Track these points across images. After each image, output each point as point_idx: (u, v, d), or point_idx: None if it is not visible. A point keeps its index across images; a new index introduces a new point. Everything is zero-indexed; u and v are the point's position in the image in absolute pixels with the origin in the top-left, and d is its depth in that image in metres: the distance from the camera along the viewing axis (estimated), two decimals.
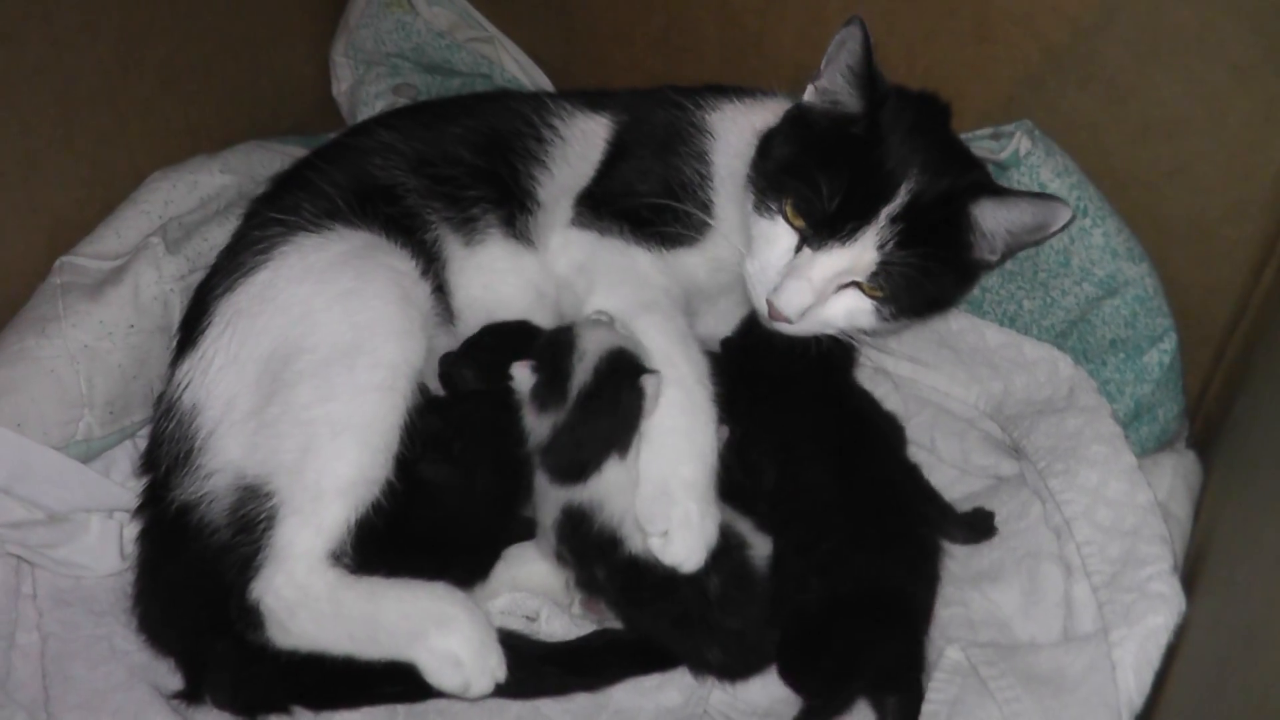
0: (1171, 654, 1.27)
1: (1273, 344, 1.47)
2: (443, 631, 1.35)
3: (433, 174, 1.63)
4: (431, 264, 1.58)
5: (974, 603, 1.48)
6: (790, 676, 1.39)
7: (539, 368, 1.49)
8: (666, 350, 1.48)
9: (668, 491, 1.39)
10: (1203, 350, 1.67)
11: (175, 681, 1.45)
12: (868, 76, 1.42)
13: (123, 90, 1.77)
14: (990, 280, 1.65)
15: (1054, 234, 1.47)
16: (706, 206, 1.60)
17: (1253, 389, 1.51)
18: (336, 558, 1.38)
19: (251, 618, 1.37)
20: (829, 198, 1.40)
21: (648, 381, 1.43)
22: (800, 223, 1.44)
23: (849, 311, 1.46)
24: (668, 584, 1.39)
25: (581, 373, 1.47)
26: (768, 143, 1.54)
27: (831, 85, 1.46)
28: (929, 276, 1.43)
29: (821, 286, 1.42)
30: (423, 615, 1.37)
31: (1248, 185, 1.54)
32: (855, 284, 1.44)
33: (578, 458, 1.44)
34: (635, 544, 1.40)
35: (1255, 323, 1.59)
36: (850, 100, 1.45)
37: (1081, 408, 1.54)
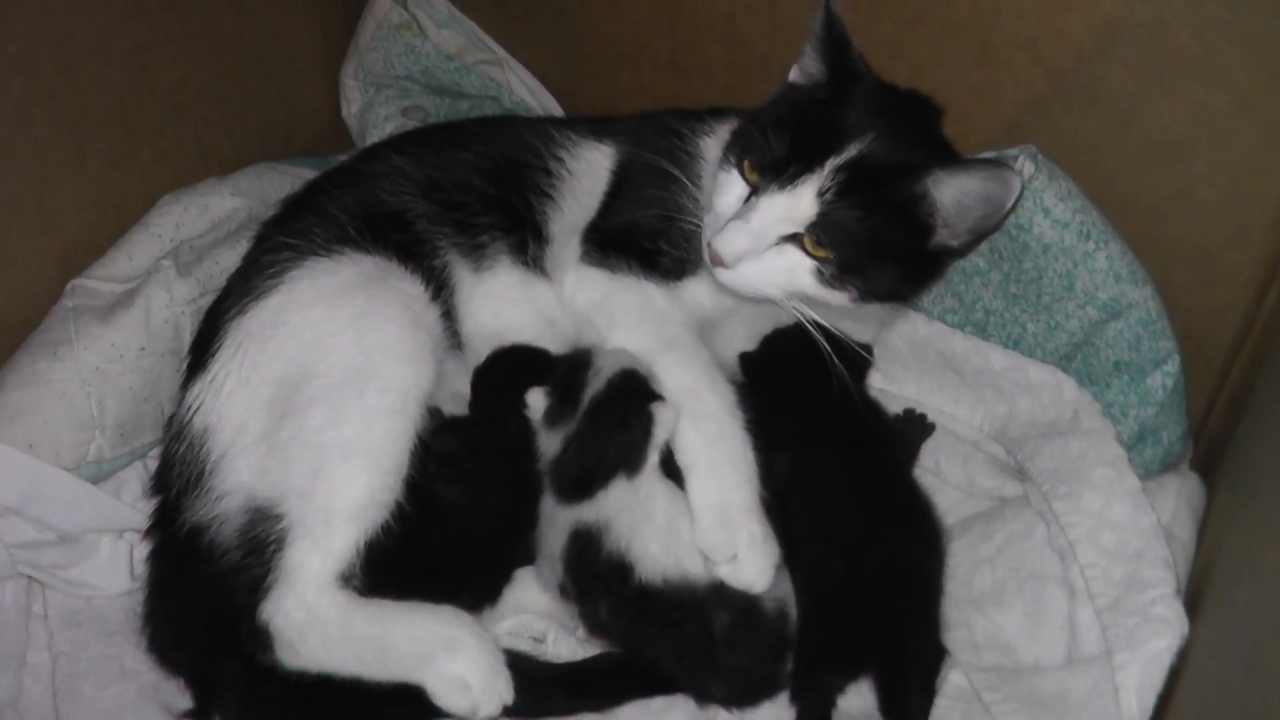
0: (1174, 677, 1.27)
1: (1275, 367, 1.47)
2: (451, 655, 1.36)
3: (443, 200, 1.64)
4: (440, 290, 1.59)
5: (977, 625, 1.49)
6: (818, 661, 1.40)
7: (553, 390, 1.51)
8: (694, 385, 1.50)
9: (727, 518, 1.41)
10: (1206, 373, 1.67)
11: (185, 701, 1.45)
12: (829, 42, 1.46)
13: (134, 113, 1.79)
14: (995, 303, 1.66)
15: (1010, 211, 1.46)
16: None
17: (1256, 411, 1.51)
18: (346, 580, 1.39)
19: (261, 639, 1.38)
20: (778, 146, 1.42)
21: (658, 409, 1.44)
22: (754, 177, 1.45)
23: (789, 267, 1.44)
24: (673, 619, 1.39)
25: (595, 384, 1.48)
26: (750, 118, 1.56)
27: (806, 59, 1.50)
28: (877, 247, 1.42)
29: (760, 230, 1.42)
30: (431, 639, 1.38)
31: (1250, 209, 1.54)
32: (799, 241, 1.43)
33: (586, 468, 1.45)
34: (645, 570, 1.40)
35: (1258, 345, 1.59)
36: (817, 68, 1.49)
37: (1085, 430, 1.54)
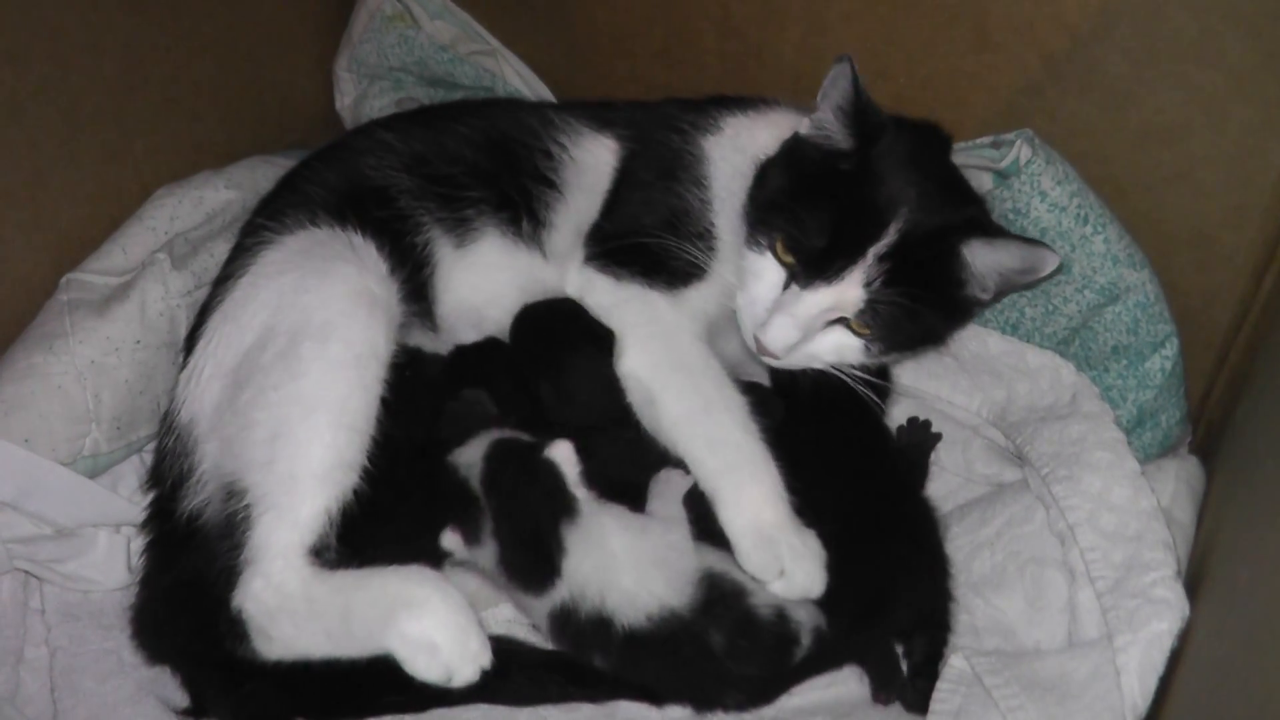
0: (1175, 659, 1.27)
1: (1274, 348, 1.47)
2: (413, 614, 1.28)
3: (428, 173, 1.62)
4: (420, 269, 1.58)
5: (978, 609, 1.49)
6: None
7: (459, 522, 1.47)
8: (707, 407, 1.49)
9: (764, 536, 1.39)
10: (1204, 355, 1.67)
11: (184, 696, 1.45)
12: (857, 115, 1.41)
13: (128, 107, 1.78)
14: None
15: (1044, 279, 1.48)
16: (709, 232, 1.59)
17: (1254, 393, 1.51)
18: (318, 553, 1.33)
19: (237, 630, 1.33)
20: (816, 235, 1.40)
21: (551, 450, 1.43)
22: (789, 260, 1.43)
23: (837, 347, 1.46)
24: (668, 649, 1.35)
25: (474, 474, 1.45)
26: (764, 174, 1.54)
27: (825, 121, 1.45)
28: (918, 314, 1.42)
29: (808, 324, 1.42)
30: (391, 599, 1.30)
31: (1248, 190, 1.54)
32: (843, 320, 1.44)
33: (528, 544, 1.40)
34: (625, 617, 1.35)
35: (1257, 327, 1.59)
36: (842, 138, 1.44)
37: (1084, 414, 1.54)
